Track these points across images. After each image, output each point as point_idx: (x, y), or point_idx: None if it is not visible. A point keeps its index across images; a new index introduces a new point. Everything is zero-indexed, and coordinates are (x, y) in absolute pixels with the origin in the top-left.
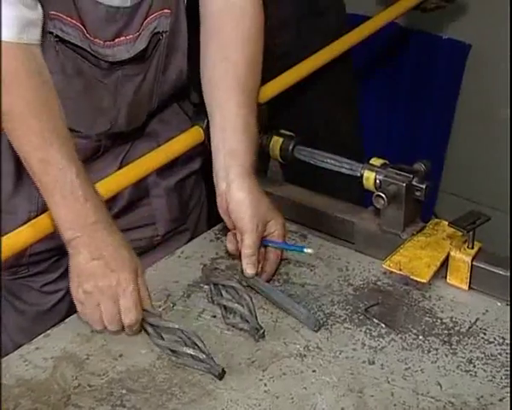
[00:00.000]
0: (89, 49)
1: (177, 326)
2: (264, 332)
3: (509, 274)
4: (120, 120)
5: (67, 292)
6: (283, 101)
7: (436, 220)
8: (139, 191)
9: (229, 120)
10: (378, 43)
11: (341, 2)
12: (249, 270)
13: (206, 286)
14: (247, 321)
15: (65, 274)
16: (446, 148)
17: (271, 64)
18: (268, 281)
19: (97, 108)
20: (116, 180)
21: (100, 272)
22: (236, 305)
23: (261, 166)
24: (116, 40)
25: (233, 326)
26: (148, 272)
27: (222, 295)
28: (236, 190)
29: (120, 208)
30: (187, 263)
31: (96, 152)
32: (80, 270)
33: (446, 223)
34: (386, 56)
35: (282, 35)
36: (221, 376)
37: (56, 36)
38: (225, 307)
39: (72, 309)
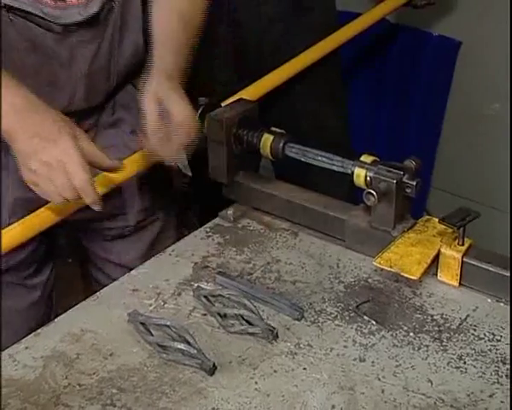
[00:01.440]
0: (40, 14)
1: (167, 323)
2: (277, 332)
3: (508, 274)
4: (78, 95)
5: None
6: (271, 98)
7: (427, 217)
8: None
9: (161, 35)
10: (368, 40)
11: None
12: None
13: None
14: (253, 324)
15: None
16: (437, 144)
17: (261, 62)
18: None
19: (53, 83)
20: (108, 177)
21: (40, 148)
22: (243, 311)
23: (253, 164)
24: (68, 1)
25: (240, 334)
26: (138, 271)
27: (214, 305)
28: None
29: None
30: (178, 261)
31: None
32: (22, 154)
33: (437, 220)
34: (377, 53)
35: (270, 33)
36: (212, 371)
37: (5, 5)
38: (222, 316)
39: None
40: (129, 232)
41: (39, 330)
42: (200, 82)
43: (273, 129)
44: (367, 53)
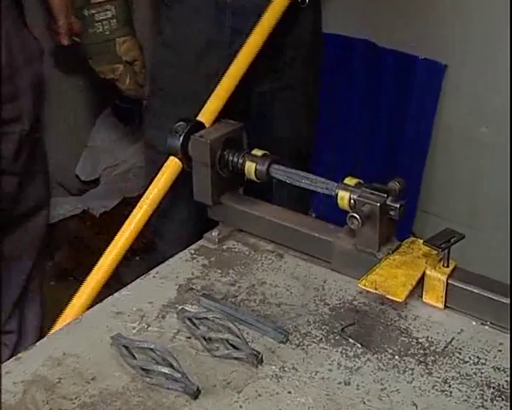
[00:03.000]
0: None
1: (151, 346)
2: (262, 357)
3: (492, 296)
4: None
5: None
6: (250, 104)
7: (412, 239)
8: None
9: None
10: (352, 63)
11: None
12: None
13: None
14: (238, 349)
15: None
16: (424, 167)
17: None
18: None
19: None
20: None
21: None
22: (228, 335)
23: (240, 184)
24: None
25: (225, 358)
26: (121, 293)
27: (199, 328)
28: None
29: None
30: (162, 283)
31: None
32: None
33: (421, 241)
34: (361, 77)
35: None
36: (196, 395)
37: None
38: (207, 339)
39: None
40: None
41: (20, 355)
42: (203, 87)
43: (257, 151)
44: (352, 77)
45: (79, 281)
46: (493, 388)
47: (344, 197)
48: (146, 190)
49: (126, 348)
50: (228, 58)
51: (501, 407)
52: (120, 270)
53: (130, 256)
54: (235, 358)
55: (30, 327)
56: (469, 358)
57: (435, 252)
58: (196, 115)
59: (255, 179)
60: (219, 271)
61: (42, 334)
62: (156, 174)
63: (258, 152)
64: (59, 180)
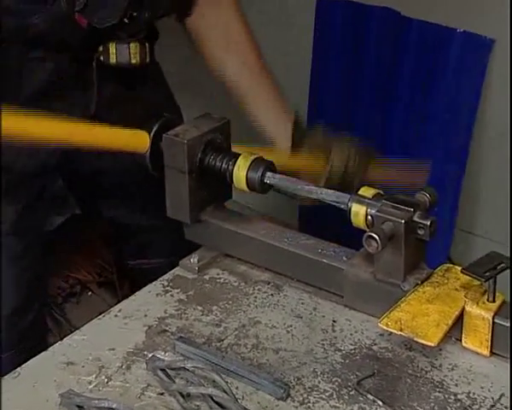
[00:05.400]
0: None
1: (112, 405)
2: None
3: None
4: None
5: None
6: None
7: (447, 266)
8: None
9: None
10: (370, 37)
11: None
12: None
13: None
14: (225, 407)
15: None
16: (463, 173)
17: None
18: None
19: None
20: None
21: None
22: (212, 389)
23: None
24: None
25: None
26: (73, 338)
27: (174, 381)
28: None
29: None
30: (126, 324)
31: None
32: None
33: (460, 269)
34: (381, 54)
35: None
36: None
37: None
38: (185, 395)
39: None
40: None
41: None
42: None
43: (248, 154)
44: (369, 55)
45: None
46: None
47: (359, 212)
48: None
49: (80, 408)
50: None
51: None
52: (67, 308)
53: (80, 291)
54: None
55: None
56: None
57: (477, 283)
58: None
59: (246, 189)
60: (200, 307)
61: None
62: None
63: (249, 155)
64: None
